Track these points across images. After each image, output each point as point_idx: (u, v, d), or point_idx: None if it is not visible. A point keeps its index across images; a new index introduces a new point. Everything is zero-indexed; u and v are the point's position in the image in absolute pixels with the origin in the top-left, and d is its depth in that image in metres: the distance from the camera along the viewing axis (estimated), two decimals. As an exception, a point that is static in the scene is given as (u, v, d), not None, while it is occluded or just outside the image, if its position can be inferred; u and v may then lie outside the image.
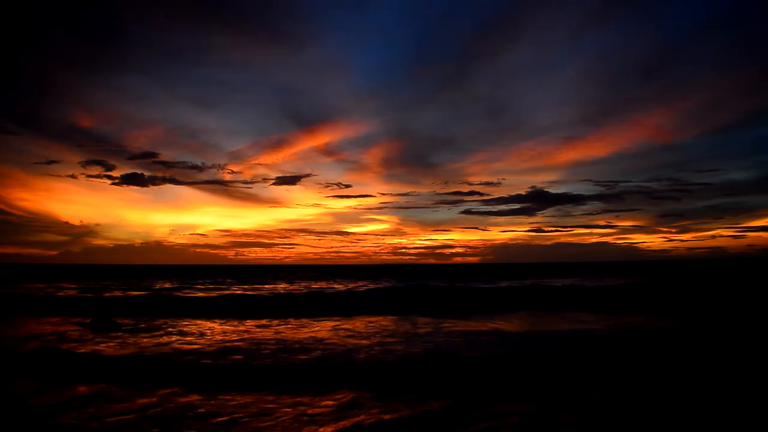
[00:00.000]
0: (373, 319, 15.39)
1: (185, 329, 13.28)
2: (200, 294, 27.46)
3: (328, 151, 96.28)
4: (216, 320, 15.38)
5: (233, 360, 8.95)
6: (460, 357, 9.20)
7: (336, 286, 35.92)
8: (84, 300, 21.91)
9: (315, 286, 35.62)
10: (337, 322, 14.51)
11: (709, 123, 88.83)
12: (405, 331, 12.52)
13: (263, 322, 14.81)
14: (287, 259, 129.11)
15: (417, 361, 8.81)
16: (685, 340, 11.05)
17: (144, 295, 25.59)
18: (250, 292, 28.63)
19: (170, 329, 13.19)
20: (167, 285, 37.08)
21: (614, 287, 28.31)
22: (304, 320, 15.11)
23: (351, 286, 35.62)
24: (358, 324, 14.11)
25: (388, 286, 32.85)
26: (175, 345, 10.66)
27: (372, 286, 34.28)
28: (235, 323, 14.61)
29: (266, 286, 35.42)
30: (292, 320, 15.14)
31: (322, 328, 13.32)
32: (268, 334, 12.31)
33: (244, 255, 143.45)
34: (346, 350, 9.87)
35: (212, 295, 26.14)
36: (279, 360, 8.94)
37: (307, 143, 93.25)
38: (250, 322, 14.64)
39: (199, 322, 15.00)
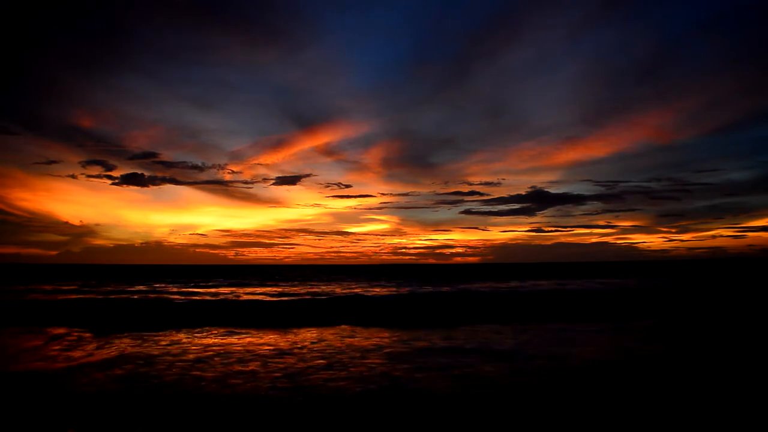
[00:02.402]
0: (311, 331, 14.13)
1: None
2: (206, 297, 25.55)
3: (328, 151, 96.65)
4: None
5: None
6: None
7: (320, 287, 35.21)
8: (83, 305, 21.39)
9: (317, 289, 34.87)
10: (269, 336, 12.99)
11: (709, 123, 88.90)
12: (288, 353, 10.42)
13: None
14: (287, 259, 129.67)
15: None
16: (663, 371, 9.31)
17: (144, 299, 24.92)
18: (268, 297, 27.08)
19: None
20: (173, 288, 36.23)
21: (602, 292, 27.47)
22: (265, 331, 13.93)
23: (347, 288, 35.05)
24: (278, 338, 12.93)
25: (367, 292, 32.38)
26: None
27: (356, 289, 33.48)
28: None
29: (294, 289, 33.84)
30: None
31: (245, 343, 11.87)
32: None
33: (244, 255, 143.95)
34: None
35: (214, 299, 25.18)
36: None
37: (307, 143, 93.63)
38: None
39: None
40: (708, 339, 12.14)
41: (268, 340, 12.07)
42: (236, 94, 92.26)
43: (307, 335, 12.91)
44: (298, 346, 11.11)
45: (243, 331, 13.79)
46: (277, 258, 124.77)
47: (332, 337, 12.65)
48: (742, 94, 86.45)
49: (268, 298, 25.14)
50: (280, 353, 10.17)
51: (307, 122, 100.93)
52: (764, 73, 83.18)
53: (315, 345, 11.21)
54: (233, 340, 12.07)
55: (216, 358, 9.58)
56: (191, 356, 9.80)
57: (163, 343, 11.60)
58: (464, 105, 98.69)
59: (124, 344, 11.44)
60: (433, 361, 9.29)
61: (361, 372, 8.32)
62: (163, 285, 38.59)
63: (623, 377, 7.96)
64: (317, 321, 15.92)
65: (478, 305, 20.51)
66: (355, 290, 32.03)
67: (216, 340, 12.09)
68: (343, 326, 14.71)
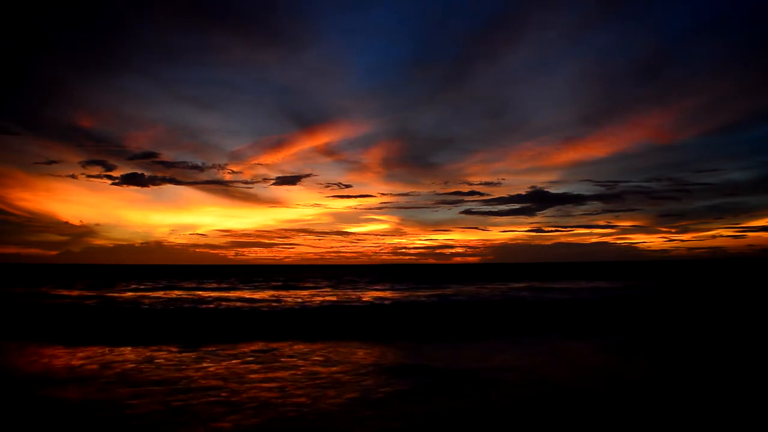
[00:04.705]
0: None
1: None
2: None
3: (328, 151, 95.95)
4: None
5: None
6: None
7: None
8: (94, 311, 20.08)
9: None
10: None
11: (709, 123, 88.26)
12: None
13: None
14: (287, 259, 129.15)
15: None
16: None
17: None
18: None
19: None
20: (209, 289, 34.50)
21: (600, 298, 26.12)
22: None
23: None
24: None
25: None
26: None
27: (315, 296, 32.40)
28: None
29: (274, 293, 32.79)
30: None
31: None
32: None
33: (244, 255, 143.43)
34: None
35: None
36: None
37: (307, 143, 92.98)
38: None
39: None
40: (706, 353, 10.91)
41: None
42: (236, 94, 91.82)
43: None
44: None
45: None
46: (277, 258, 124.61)
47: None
48: (742, 94, 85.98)
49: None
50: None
51: (307, 122, 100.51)
52: (764, 73, 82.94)
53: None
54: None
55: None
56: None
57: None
58: (464, 105, 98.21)
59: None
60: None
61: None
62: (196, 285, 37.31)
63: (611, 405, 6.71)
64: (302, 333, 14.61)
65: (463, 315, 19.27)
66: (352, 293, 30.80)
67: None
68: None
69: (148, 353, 11.30)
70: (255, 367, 9.77)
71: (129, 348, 12.06)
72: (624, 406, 7.04)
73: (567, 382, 8.45)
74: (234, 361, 10.30)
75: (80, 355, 11.21)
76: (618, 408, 6.93)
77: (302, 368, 9.63)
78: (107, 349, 12.00)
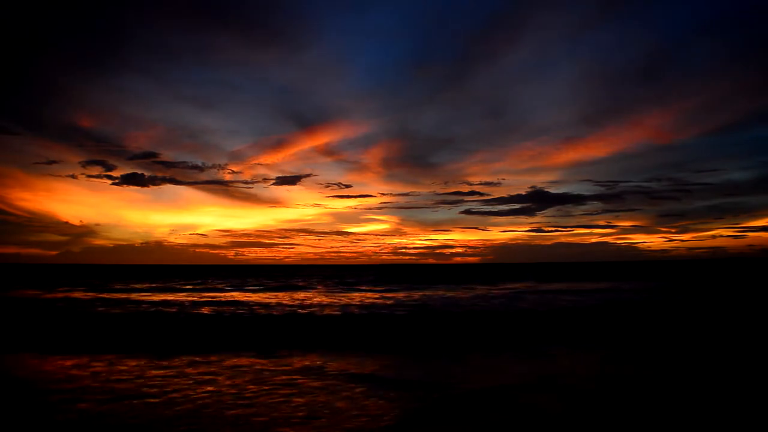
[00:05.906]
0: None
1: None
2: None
3: (328, 151, 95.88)
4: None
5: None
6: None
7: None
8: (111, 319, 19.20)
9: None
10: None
11: (709, 123, 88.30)
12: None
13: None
14: (287, 259, 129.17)
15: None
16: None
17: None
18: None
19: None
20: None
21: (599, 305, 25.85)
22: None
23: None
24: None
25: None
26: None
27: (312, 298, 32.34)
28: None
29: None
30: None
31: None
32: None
33: (244, 255, 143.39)
34: None
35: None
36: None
37: (307, 143, 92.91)
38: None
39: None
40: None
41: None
42: (236, 94, 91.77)
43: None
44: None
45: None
46: (277, 258, 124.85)
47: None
48: (742, 94, 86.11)
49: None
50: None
51: (307, 122, 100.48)
52: (764, 73, 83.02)
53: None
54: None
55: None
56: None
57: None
58: (464, 105, 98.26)
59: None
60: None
61: None
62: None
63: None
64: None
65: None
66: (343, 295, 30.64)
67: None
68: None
69: (138, 363, 11.11)
70: (253, 378, 9.58)
71: (113, 356, 11.86)
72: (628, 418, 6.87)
73: (569, 393, 8.28)
74: (232, 372, 10.12)
75: (71, 364, 11.03)
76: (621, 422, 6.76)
77: (304, 380, 9.45)
78: (92, 357, 11.81)
